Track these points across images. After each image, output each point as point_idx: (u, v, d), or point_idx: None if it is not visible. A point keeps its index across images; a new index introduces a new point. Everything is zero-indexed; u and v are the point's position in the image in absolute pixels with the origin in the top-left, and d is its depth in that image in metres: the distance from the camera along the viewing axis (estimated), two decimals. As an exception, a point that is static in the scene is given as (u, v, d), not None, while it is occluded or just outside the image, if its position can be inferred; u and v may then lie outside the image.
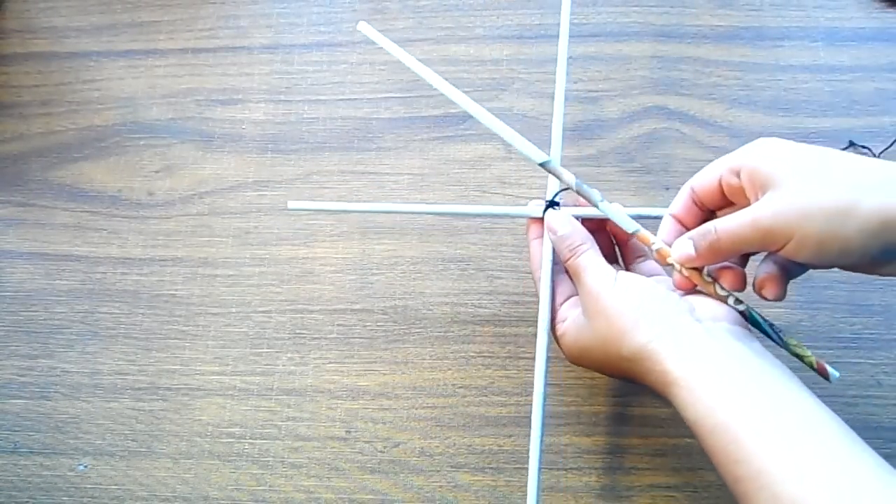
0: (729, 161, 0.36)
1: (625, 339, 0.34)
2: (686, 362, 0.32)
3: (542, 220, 0.42)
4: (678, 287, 0.38)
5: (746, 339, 0.35)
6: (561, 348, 0.40)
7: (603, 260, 0.38)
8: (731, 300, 0.37)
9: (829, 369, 0.37)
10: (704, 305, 0.36)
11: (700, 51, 0.58)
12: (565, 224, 0.39)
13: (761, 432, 0.29)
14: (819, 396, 0.48)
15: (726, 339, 0.34)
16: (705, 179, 0.37)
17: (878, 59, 0.57)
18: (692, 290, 0.38)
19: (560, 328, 0.40)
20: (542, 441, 0.40)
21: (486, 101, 0.57)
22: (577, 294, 0.40)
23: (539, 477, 0.39)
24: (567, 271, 0.40)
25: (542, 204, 0.42)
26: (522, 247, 0.52)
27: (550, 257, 0.41)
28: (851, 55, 0.57)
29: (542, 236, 0.42)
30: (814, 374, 0.37)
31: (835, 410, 0.48)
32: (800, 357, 0.37)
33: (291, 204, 0.38)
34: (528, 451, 0.40)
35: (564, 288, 0.41)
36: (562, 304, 0.41)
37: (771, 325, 0.37)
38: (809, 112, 0.55)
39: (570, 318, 0.39)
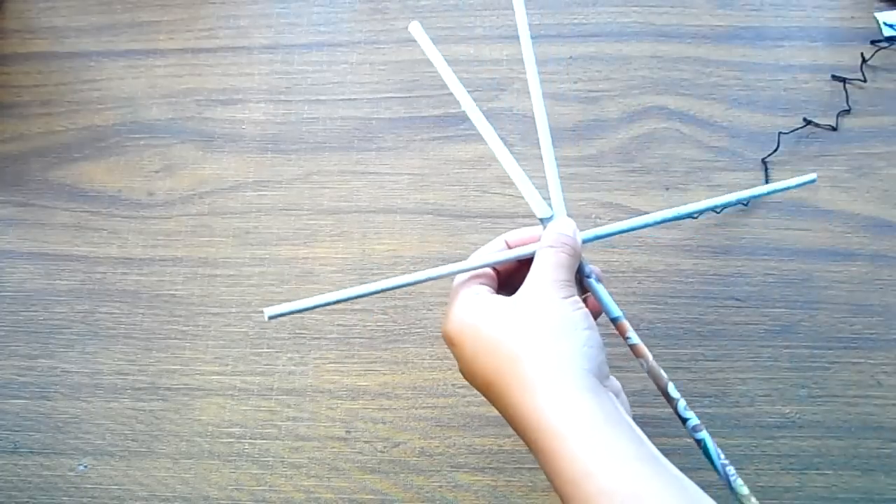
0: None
1: (533, 349, 0.30)
2: (585, 416, 0.29)
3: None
4: None
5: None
6: (454, 297, 0.35)
7: (573, 277, 0.35)
8: (681, 409, 0.34)
9: None
10: (614, 382, 0.35)
11: (700, 51, 0.58)
12: (572, 228, 0.37)
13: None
14: (817, 397, 0.48)
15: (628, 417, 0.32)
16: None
17: (878, 59, 0.57)
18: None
19: (472, 282, 0.36)
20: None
21: (486, 101, 0.57)
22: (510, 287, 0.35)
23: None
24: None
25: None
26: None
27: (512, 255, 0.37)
28: (851, 55, 0.57)
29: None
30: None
31: (835, 410, 0.48)
32: None
33: (269, 311, 0.36)
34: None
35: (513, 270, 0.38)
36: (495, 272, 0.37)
37: (724, 465, 0.33)
38: (809, 112, 0.55)
39: (483, 295, 0.35)
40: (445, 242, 0.53)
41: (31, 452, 0.49)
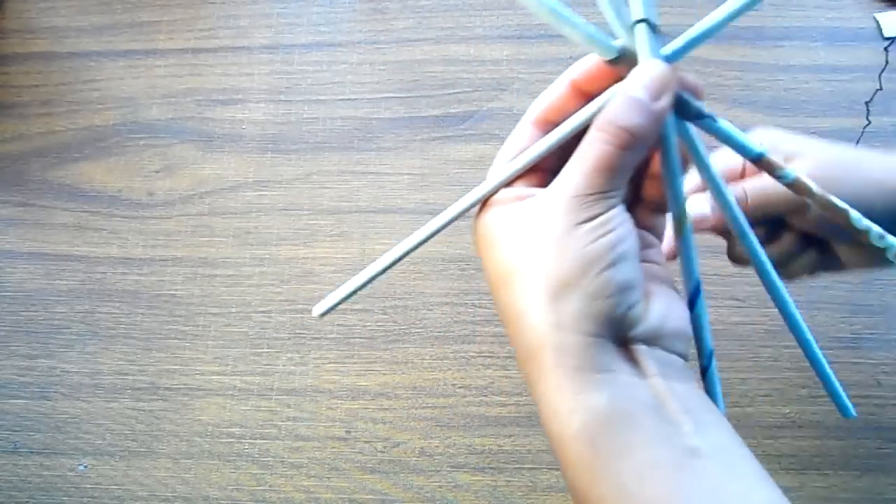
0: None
1: (534, 318, 0.22)
2: (591, 404, 0.21)
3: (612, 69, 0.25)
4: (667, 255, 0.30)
5: (687, 379, 0.24)
6: (482, 212, 0.28)
7: (626, 178, 0.24)
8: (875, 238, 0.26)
9: None
10: (657, 307, 0.24)
11: (700, 51, 0.58)
12: (665, 94, 0.24)
13: None
14: (817, 397, 0.48)
15: (661, 383, 0.22)
16: None
17: (879, 59, 0.57)
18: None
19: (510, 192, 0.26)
20: None
21: (486, 102, 0.57)
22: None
23: None
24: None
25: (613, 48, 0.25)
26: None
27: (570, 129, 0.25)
28: (851, 55, 0.57)
29: (586, 94, 0.26)
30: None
31: (835, 411, 0.48)
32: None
33: (318, 309, 0.28)
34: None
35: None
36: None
37: None
38: (809, 112, 0.55)
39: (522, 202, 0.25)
40: (445, 242, 0.53)
41: (31, 452, 0.49)
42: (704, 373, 0.27)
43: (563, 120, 0.25)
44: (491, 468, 0.47)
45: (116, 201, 0.56)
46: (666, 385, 0.22)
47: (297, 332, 0.51)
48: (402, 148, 0.56)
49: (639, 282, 0.23)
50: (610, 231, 0.22)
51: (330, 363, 0.50)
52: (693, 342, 0.26)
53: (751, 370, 0.48)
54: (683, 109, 0.24)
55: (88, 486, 0.48)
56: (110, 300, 0.53)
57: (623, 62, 0.23)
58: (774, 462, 0.46)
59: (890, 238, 0.26)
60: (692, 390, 0.23)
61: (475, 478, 0.47)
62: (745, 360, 0.48)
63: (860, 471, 0.45)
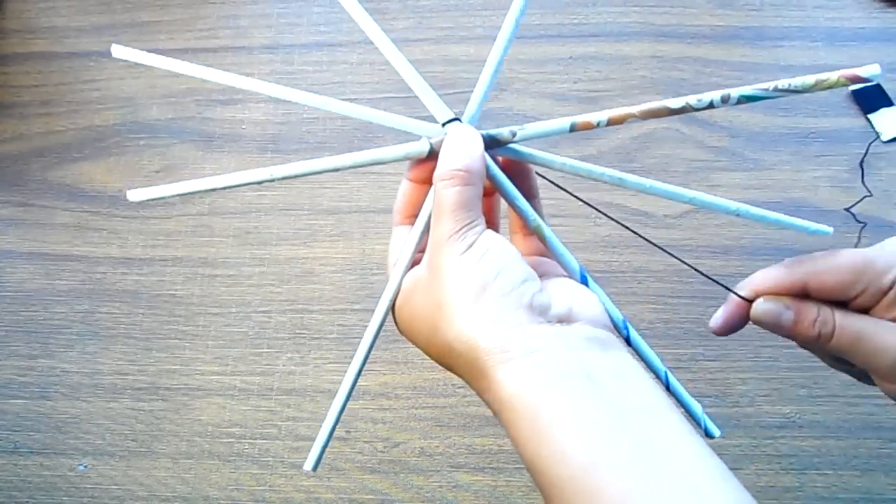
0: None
1: (453, 325, 0.26)
2: (525, 380, 0.25)
3: (433, 158, 0.30)
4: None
5: (612, 348, 0.27)
6: (393, 310, 0.31)
7: (479, 209, 0.28)
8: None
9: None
10: (562, 295, 0.28)
11: (700, 51, 0.58)
12: (475, 141, 0.29)
13: (631, 492, 0.22)
14: (817, 397, 0.48)
15: (594, 347, 0.26)
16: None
17: (878, 59, 0.57)
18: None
19: (400, 293, 0.31)
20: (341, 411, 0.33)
21: (487, 102, 0.57)
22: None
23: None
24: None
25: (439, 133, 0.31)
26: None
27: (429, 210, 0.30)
28: (851, 55, 0.57)
29: (426, 181, 0.31)
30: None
31: (835, 411, 0.48)
32: None
33: (133, 195, 0.29)
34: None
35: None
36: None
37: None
38: (809, 112, 0.55)
39: (412, 280, 0.30)
40: (445, 242, 0.53)
41: (31, 452, 0.49)
42: (628, 342, 0.30)
43: (418, 209, 0.31)
44: (491, 468, 0.47)
45: (116, 201, 0.56)
46: (591, 355, 0.26)
47: (297, 332, 0.51)
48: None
49: (532, 276, 0.27)
50: (487, 249, 0.27)
51: (330, 363, 0.50)
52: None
53: (751, 370, 0.48)
54: (494, 143, 0.30)
55: (88, 486, 0.48)
56: (110, 300, 0.53)
57: (436, 153, 0.29)
58: (774, 462, 0.46)
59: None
60: (619, 358, 0.26)
61: (475, 478, 0.47)
62: (745, 360, 0.48)
63: (860, 471, 0.45)
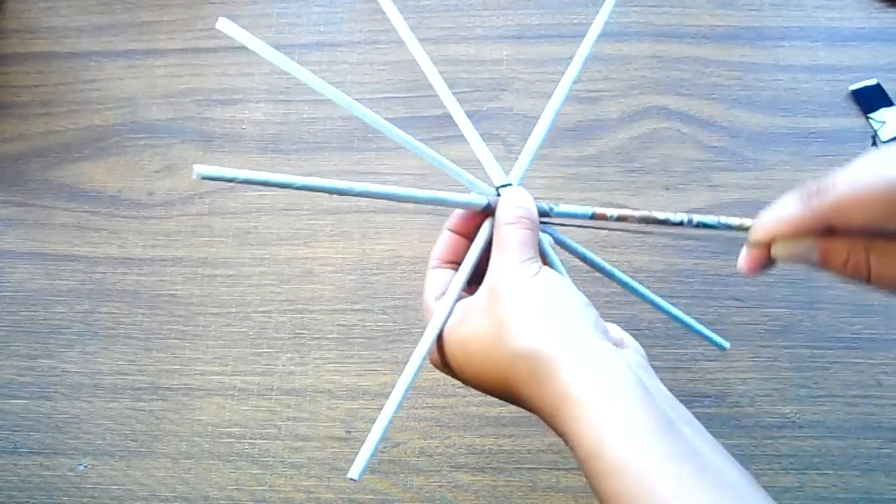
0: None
1: (521, 335, 0.28)
2: (592, 383, 0.27)
3: (483, 213, 0.35)
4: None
5: (655, 378, 0.31)
6: (439, 346, 0.33)
7: (537, 250, 0.32)
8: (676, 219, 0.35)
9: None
10: (612, 326, 0.33)
11: (700, 51, 0.58)
12: (527, 198, 0.34)
13: (681, 490, 0.24)
14: (817, 397, 0.48)
15: (642, 371, 0.30)
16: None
17: (878, 59, 0.57)
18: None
19: (449, 321, 0.33)
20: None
21: (486, 101, 0.57)
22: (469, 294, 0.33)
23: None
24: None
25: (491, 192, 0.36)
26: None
27: (479, 251, 0.34)
28: (851, 55, 0.57)
29: (465, 234, 0.36)
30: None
31: (835, 411, 0.48)
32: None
33: (199, 168, 0.28)
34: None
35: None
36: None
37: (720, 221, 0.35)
38: (809, 112, 0.55)
39: (463, 307, 0.33)
40: (445, 242, 0.53)
41: (31, 452, 0.49)
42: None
43: (457, 256, 0.35)
44: (491, 468, 0.47)
45: (116, 201, 0.57)
46: (644, 374, 0.29)
47: (297, 332, 0.51)
48: (402, 148, 0.56)
49: (591, 304, 0.31)
50: (553, 277, 0.30)
51: (330, 363, 0.50)
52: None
53: (751, 370, 0.48)
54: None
55: (88, 486, 0.48)
56: (110, 300, 0.53)
57: (489, 209, 0.34)
58: (774, 462, 0.46)
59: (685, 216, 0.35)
60: (657, 380, 0.30)
61: (475, 478, 0.47)
62: (745, 360, 0.48)
63: (860, 471, 0.45)
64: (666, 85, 0.57)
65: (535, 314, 0.29)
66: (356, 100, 0.34)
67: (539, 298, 0.29)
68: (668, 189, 0.54)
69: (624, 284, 0.39)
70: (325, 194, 0.56)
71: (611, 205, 0.54)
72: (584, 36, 0.40)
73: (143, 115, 0.59)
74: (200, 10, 0.63)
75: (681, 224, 0.35)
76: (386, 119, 0.34)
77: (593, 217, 0.35)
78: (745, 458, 0.46)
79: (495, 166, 0.36)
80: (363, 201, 0.55)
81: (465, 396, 0.49)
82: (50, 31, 0.63)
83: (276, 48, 0.30)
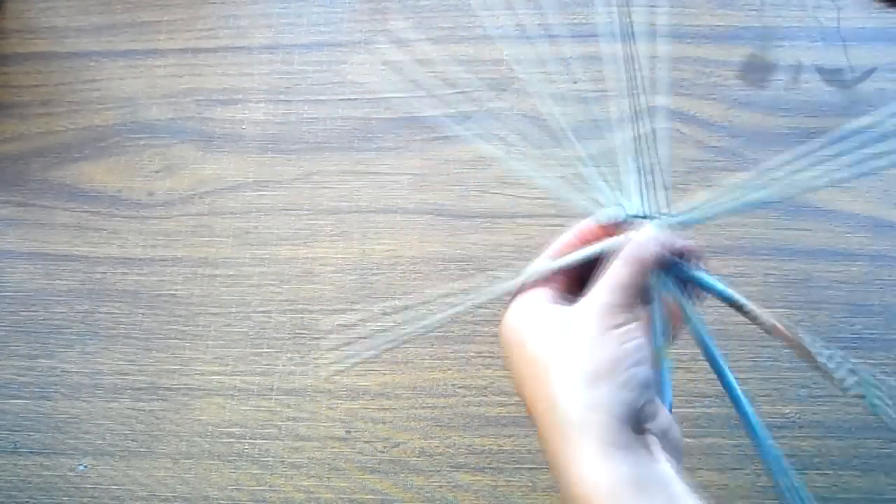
0: None
1: (570, 380, 0.27)
2: (613, 473, 0.26)
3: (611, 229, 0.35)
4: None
5: (680, 484, 0.29)
6: (510, 307, 0.32)
7: (638, 300, 0.31)
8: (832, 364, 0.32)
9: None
10: (664, 412, 0.31)
11: (700, 51, 0.58)
12: (659, 244, 0.33)
13: None
14: (817, 397, 0.48)
15: (672, 471, 0.28)
16: None
17: (878, 59, 0.57)
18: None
19: (534, 290, 0.32)
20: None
21: (486, 102, 0.57)
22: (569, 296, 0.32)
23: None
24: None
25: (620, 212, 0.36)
26: (523, 247, 0.52)
27: (588, 254, 0.33)
28: (851, 55, 0.57)
29: (587, 240, 0.35)
30: None
31: (835, 411, 0.48)
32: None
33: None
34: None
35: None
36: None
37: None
38: (809, 112, 0.55)
39: (552, 308, 0.31)
40: (445, 242, 0.53)
41: (31, 452, 0.49)
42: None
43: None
44: (491, 468, 0.47)
45: (116, 201, 0.57)
46: (673, 469, 0.27)
47: (297, 332, 0.51)
48: (402, 148, 0.56)
49: (653, 384, 0.29)
50: (635, 338, 0.28)
51: (330, 363, 0.50)
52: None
53: (751, 370, 0.48)
54: (673, 269, 0.33)
55: (88, 486, 0.48)
56: (110, 300, 0.53)
57: (621, 226, 0.34)
58: (774, 462, 0.46)
59: (864, 383, 0.32)
60: (688, 482, 0.28)
61: (475, 478, 0.47)
62: (745, 360, 0.48)
63: (860, 471, 0.45)
64: (666, 85, 0.57)
65: (589, 373, 0.27)
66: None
67: (602, 357, 0.28)
68: (667, 189, 0.54)
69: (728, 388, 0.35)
70: (326, 193, 0.57)
71: (611, 205, 0.54)
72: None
73: (143, 115, 0.59)
74: (200, 10, 0.63)
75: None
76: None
77: (733, 305, 0.34)
78: (745, 458, 0.46)
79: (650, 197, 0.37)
80: (363, 201, 0.55)
81: (464, 396, 0.49)
82: (50, 31, 0.63)
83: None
